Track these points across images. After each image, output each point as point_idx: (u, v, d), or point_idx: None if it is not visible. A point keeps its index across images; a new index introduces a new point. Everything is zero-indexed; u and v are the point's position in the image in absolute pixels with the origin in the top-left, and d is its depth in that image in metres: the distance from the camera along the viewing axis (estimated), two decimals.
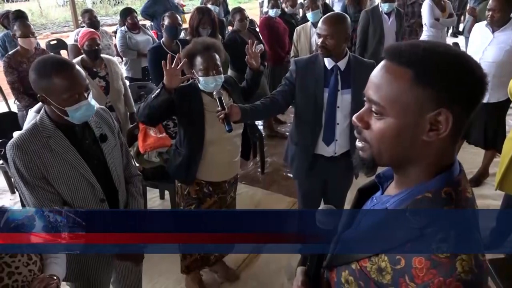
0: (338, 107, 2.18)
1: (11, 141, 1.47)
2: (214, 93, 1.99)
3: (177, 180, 2.36)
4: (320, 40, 2.09)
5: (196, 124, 2.13)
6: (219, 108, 1.92)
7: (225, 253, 2.59)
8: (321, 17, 3.89)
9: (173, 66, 1.93)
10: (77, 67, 1.47)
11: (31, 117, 2.15)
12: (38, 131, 1.48)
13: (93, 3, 14.78)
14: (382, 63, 0.79)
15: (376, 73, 0.79)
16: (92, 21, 4.31)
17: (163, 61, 1.92)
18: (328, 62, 2.15)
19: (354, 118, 0.84)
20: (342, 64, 2.14)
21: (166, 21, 3.40)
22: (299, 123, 2.36)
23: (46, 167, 1.46)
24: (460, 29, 9.02)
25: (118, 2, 16.56)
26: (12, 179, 1.54)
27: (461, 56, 0.75)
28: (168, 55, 1.96)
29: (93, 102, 1.52)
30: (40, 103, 1.56)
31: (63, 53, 6.08)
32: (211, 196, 2.31)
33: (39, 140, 1.46)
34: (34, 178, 1.45)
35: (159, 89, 1.95)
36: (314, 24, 3.93)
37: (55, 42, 6.39)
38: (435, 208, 0.75)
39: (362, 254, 0.84)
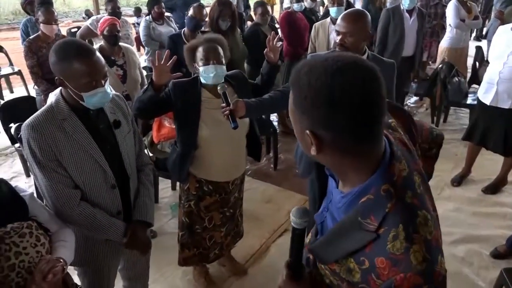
0: None
1: (26, 121, 1.47)
2: (219, 88, 1.93)
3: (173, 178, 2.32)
4: (339, 37, 2.01)
5: (190, 120, 2.07)
6: (224, 104, 1.87)
7: (225, 251, 2.53)
8: None
9: (162, 62, 1.88)
10: (98, 54, 1.46)
11: (53, 99, 2.15)
12: (53, 113, 1.48)
13: None
14: None
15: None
16: (114, 10, 4.35)
17: (151, 58, 1.89)
18: None
19: None
20: None
21: (190, 12, 3.41)
22: None
23: (60, 149, 1.46)
24: (484, 33, 8.83)
25: None
26: (27, 162, 1.54)
27: (336, 74, 0.75)
28: (157, 52, 1.92)
29: (109, 89, 1.51)
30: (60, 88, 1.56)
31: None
32: (211, 195, 2.25)
33: (54, 122, 1.47)
34: (47, 159, 1.45)
35: (147, 85, 1.93)
36: (333, 21, 3.87)
37: (75, 29, 6.46)
38: (380, 207, 0.80)
39: (328, 260, 0.92)
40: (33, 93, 3.89)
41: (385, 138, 0.87)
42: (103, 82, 1.48)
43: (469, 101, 4.46)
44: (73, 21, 11.95)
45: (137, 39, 5.73)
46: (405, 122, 1.05)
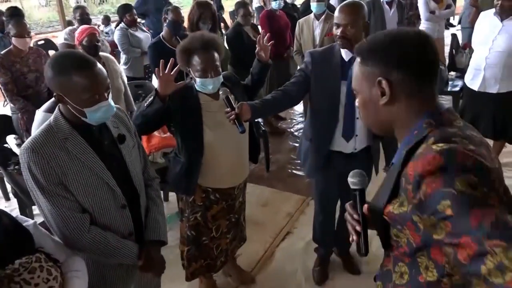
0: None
1: (24, 144, 1.34)
2: (220, 92, 1.85)
3: (178, 191, 2.22)
4: (340, 30, 1.96)
5: (193, 126, 1.98)
6: (228, 109, 1.79)
7: (229, 257, 2.45)
8: (325, 10, 3.85)
9: (166, 72, 1.79)
10: (99, 65, 1.35)
11: (41, 117, 2.00)
12: (53, 132, 1.35)
13: (77, 2, 14.46)
14: None
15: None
16: (83, 17, 4.18)
17: (156, 68, 1.78)
18: (345, 54, 2.05)
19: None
20: None
21: (169, 16, 3.29)
22: (314, 118, 2.25)
23: (64, 171, 1.34)
24: (451, 21, 9.05)
25: (103, 1, 16.28)
26: (28, 188, 1.40)
27: (398, 35, 0.97)
28: (161, 62, 1.81)
29: (112, 102, 1.40)
30: (48, 102, 1.43)
31: (52, 54, 5.88)
32: (218, 203, 2.17)
33: (55, 142, 1.34)
34: (51, 183, 1.32)
35: (152, 97, 1.81)
36: (317, 16, 3.84)
37: (42, 42, 6.18)
38: (420, 134, 0.93)
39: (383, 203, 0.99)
40: (5, 111, 3.68)
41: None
42: (106, 95, 1.36)
43: (449, 88, 4.52)
44: (36, 34, 11.48)
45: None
46: None
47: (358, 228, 1.05)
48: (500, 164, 0.96)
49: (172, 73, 1.80)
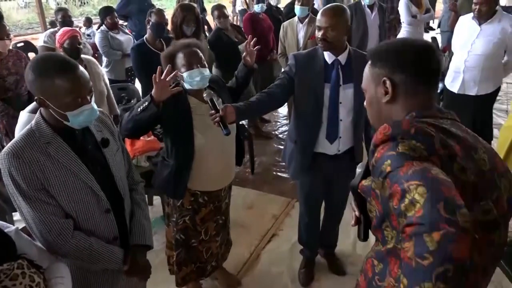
0: (340, 102, 2.11)
1: (4, 149, 1.30)
2: (205, 95, 1.85)
3: (167, 195, 2.20)
4: (321, 32, 1.99)
5: (184, 129, 1.97)
6: (213, 111, 1.79)
7: (220, 262, 2.45)
8: (308, 14, 3.89)
9: (163, 77, 1.78)
10: (81, 68, 1.33)
11: (25, 118, 1.95)
12: (35, 137, 1.33)
13: (57, 3, 14.23)
14: None
15: None
16: (65, 19, 4.12)
17: (153, 75, 1.77)
18: (328, 57, 2.08)
19: None
20: (342, 58, 2.07)
21: (153, 18, 3.26)
22: (298, 120, 2.27)
23: (46, 176, 1.31)
24: (431, 24, 9.25)
25: (84, 3, 16.05)
26: (9, 194, 1.37)
27: (407, 42, 1.08)
28: (159, 68, 1.80)
29: (95, 106, 1.38)
30: (34, 103, 1.40)
31: (32, 56, 5.77)
32: (206, 206, 2.16)
33: (36, 147, 1.31)
34: (33, 189, 1.30)
35: (147, 103, 1.80)
36: (301, 20, 3.87)
37: (22, 44, 6.05)
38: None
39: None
40: None
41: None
42: (88, 98, 1.34)
43: None
44: (15, 36, 11.23)
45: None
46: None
47: (357, 213, 1.17)
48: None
49: (168, 79, 1.79)
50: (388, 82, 1.04)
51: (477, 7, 3.03)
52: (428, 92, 1.05)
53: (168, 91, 1.82)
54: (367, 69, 1.13)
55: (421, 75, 1.03)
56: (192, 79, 1.91)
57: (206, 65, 1.96)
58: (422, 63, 1.03)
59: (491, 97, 3.31)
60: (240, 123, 4.39)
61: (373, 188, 1.01)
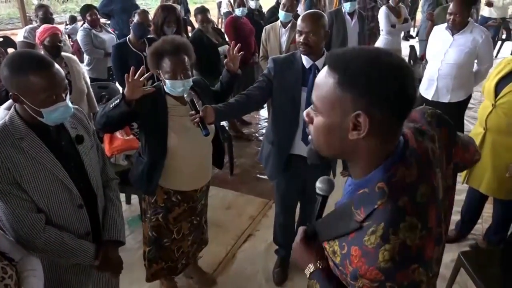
0: None
1: None
2: (185, 95, 1.88)
3: (140, 191, 2.23)
4: (302, 37, 2.05)
5: (158, 128, 2.00)
6: (193, 112, 1.81)
7: (191, 260, 2.47)
8: (291, 20, 3.96)
9: (136, 77, 1.80)
10: (57, 65, 1.35)
11: (2, 115, 1.95)
12: (8, 132, 1.34)
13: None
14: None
15: (319, 75, 0.88)
16: (46, 16, 4.07)
17: (126, 74, 1.79)
18: (306, 61, 2.14)
19: (304, 112, 0.92)
20: (320, 63, 2.14)
21: (135, 19, 3.26)
22: (275, 122, 2.33)
23: (19, 171, 1.33)
24: (411, 33, 9.46)
25: (67, 0, 15.83)
26: None
27: (386, 64, 0.80)
28: (132, 68, 1.81)
29: (70, 103, 1.40)
30: (10, 100, 1.40)
31: (11, 52, 5.68)
32: (179, 205, 2.18)
33: (9, 142, 1.33)
34: (5, 183, 1.31)
35: (118, 100, 1.82)
36: (284, 24, 3.93)
37: (1, 39, 5.96)
38: (371, 202, 0.84)
39: (323, 238, 1.00)
40: None
41: (403, 140, 0.89)
42: (63, 95, 1.36)
43: None
44: None
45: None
46: (447, 139, 1.04)
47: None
48: None
49: (141, 79, 1.81)
50: (363, 118, 0.79)
51: (451, 17, 3.14)
52: (402, 123, 0.86)
53: (140, 90, 1.85)
54: (329, 87, 0.83)
55: (401, 108, 0.82)
56: (174, 88, 1.94)
57: (190, 74, 1.98)
58: (400, 94, 0.81)
59: (463, 104, 3.42)
60: (221, 124, 4.45)
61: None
